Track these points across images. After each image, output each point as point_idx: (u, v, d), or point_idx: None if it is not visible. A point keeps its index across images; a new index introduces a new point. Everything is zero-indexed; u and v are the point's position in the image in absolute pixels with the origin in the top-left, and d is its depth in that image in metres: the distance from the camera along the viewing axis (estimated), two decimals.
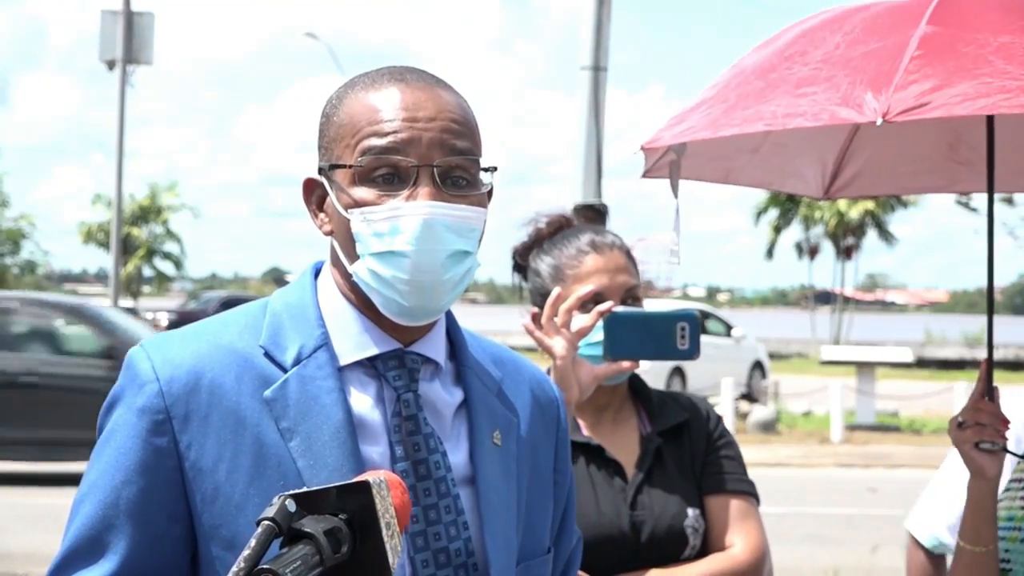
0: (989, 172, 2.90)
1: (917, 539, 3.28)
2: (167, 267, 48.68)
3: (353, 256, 1.93)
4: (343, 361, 1.95)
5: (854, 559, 11.09)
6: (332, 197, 1.95)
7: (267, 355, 1.93)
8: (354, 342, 1.96)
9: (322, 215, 2.00)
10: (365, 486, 1.58)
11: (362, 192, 1.91)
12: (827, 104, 2.57)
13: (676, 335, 2.89)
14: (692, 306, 32.16)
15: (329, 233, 1.99)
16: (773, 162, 3.42)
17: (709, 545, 3.10)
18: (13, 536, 12.40)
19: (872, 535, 11.26)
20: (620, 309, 2.94)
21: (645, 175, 3.05)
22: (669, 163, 2.97)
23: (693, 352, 2.90)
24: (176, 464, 1.88)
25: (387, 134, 1.91)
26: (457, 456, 1.99)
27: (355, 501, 1.58)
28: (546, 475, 2.13)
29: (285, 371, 1.92)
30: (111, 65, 23.92)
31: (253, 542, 1.50)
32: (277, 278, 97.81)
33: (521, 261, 3.19)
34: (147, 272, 48.47)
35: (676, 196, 2.95)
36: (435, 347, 2.01)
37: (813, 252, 65.09)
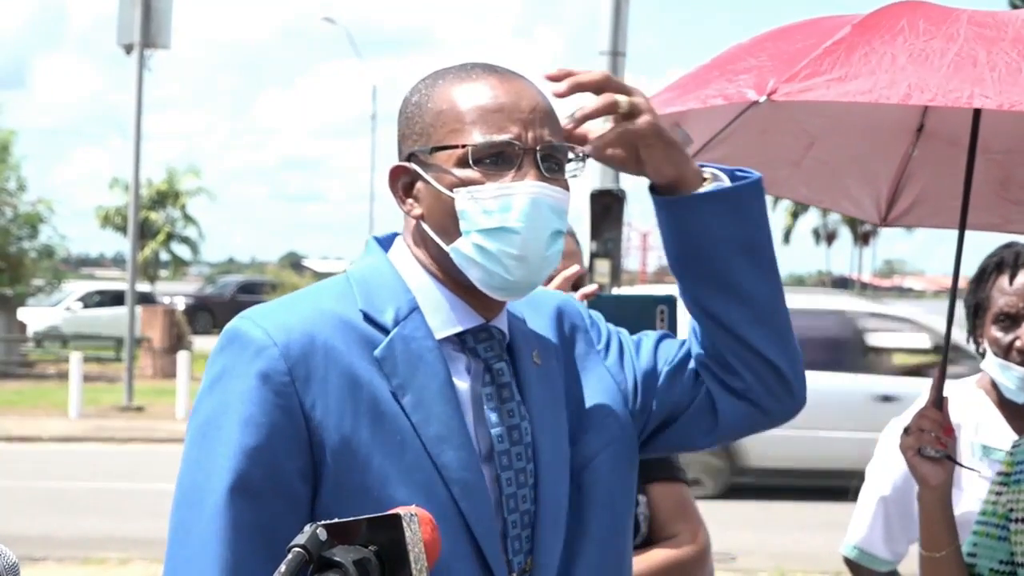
0: (963, 207, 2.94)
1: (843, 555, 3.56)
2: (184, 251, 48.76)
3: (452, 234, 2.05)
4: (435, 336, 2.07)
5: None
6: (429, 179, 2.06)
7: (367, 318, 2.04)
8: (444, 317, 2.09)
9: (410, 200, 2.11)
10: (396, 520, 1.59)
11: (468, 173, 2.03)
12: (742, 87, 2.72)
13: (656, 318, 2.88)
14: None
15: (419, 216, 2.09)
16: (818, 179, 3.51)
17: (653, 533, 3.13)
18: (30, 519, 12.44)
19: None
20: (602, 292, 2.96)
21: None
22: None
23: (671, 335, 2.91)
24: (303, 423, 1.96)
25: (497, 120, 2.04)
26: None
27: (385, 534, 1.59)
28: (594, 366, 2.25)
29: (386, 332, 2.03)
30: (129, 49, 23.88)
31: (283, 568, 1.51)
32: (294, 263, 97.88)
33: None
34: (164, 256, 48.53)
35: None
36: (506, 323, 2.16)
37: (830, 238, 65.04)
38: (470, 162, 2.03)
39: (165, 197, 47.42)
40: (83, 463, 16.46)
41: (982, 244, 3.58)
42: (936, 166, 3.41)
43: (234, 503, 1.93)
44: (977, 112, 2.86)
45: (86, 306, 37.46)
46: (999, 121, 2.86)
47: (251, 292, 46.88)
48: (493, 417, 2.07)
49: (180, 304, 41.15)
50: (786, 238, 65.48)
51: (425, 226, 2.09)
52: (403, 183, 2.11)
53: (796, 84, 2.61)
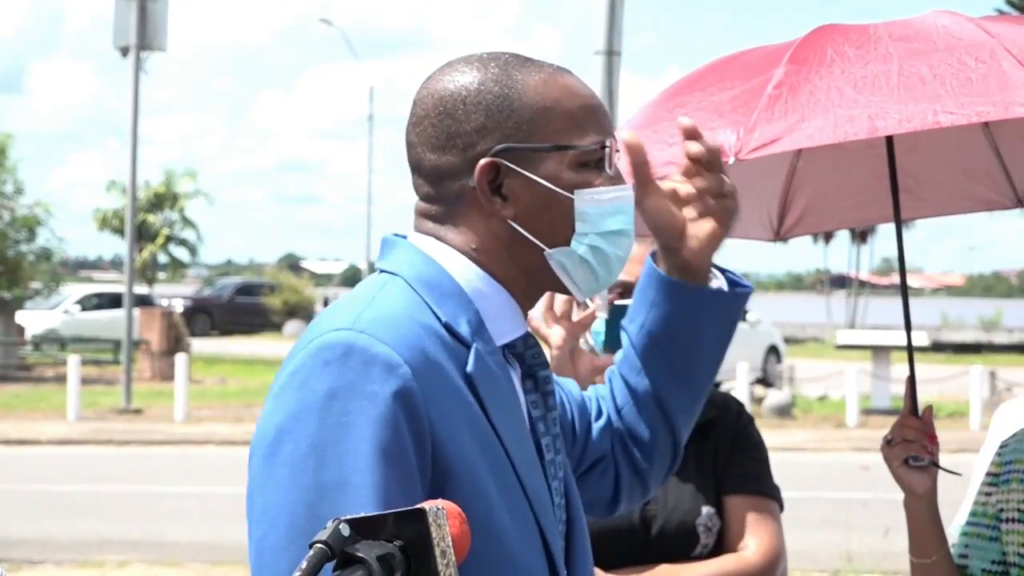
0: (895, 202, 2.96)
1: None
2: (182, 254, 48.71)
3: (559, 236, 1.95)
4: (497, 343, 1.96)
5: (868, 543, 11.08)
6: (539, 179, 1.93)
7: (449, 330, 1.89)
8: (506, 325, 1.97)
9: (496, 199, 1.94)
10: (421, 514, 1.54)
11: (583, 174, 1.95)
12: None
13: None
14: None
15: (511, 216, 1.94)
16: None
17: (724, 545, 3.08)
18: (29, 522, 12.43)
19: (887, 520, 11.24)
20: (622, 301, 2.93)
21: None
22: None
23: None
24: (430, 448, 1.80)
25: (602, 120, 1.99)
26: None
27: (411, 528, 1.54)
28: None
29: (467, 346, 1.89)
30: (125, 52, 23.89)
31: (304, 564, 1.48)
32: (292, 264, 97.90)
33: None
34: (162, 259, 48.51)
35: None
36: None
37: (828, 236, 64.96)
38: (593, 163, 1.96)
39: (163, 200, 47.38)
40: (81, 466, 16.44)
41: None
42: (821, 172, 3.45)
43: None
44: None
45: (84, 309, 37.46)
46: None
47: (249, 294, 46.91)
48: (541, 426, 2.00)
49: (178, 306, 41.16)
50: (784, 237, 65.36)
51: (518, 227, 1.94)
52: (488, 179, 1.94)
53: (756, 137, 2.61)
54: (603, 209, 1.96)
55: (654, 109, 3.00)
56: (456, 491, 1.79)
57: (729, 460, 3.12)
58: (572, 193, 1.94)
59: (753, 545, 3.06)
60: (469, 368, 1.87)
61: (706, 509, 3.06)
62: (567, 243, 1.96)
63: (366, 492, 1.75)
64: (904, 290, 3.01)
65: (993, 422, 3.40)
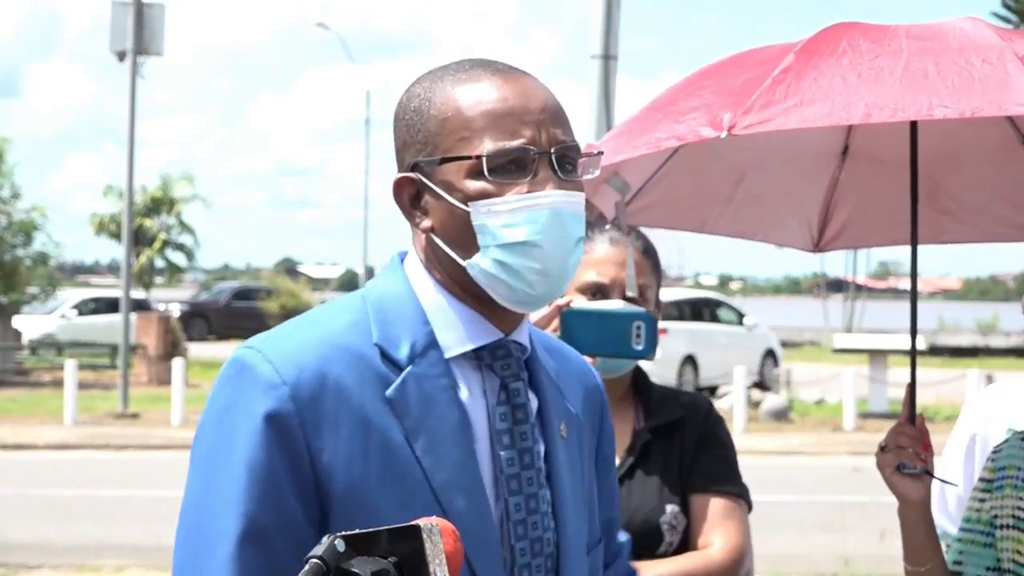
0: (913, 213, 2.96)
1: None
2: (179, 258, 48.70)
3: (469, 248, 1.93)
4: (449, 353, 1.95)
5: (864, 547, 11.08)
6: (440, 192, 1.93)
7: (382, 353, 1.92)
8: (460, 334, 1.96)
9: (418, 212, 1.98)
10: (416, 530, 1.56)
11: (481, 184, 1.91)
12: (695, 126, 2.73)
13: (631, 334, 2.89)
14: (704, 294, 32.19)
15: (429, 229, 1.96)
16: (750, 213, 3.56)
17: (689, 543, 3.07)
18: (26, 527, 12.43)
19: (883, 523, 11.24)
20: (577, 304, 2.96)
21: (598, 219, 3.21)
22: (615, 203, 3.06)
23: (648, 351, 2.90)
24: (309, 468, 1.85)
25: (508, 124, 1.92)
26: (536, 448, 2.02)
27: (406, 545, 1.56)
28: (593, 462, 2.16)
29: (400, 369, 1.91)
30: (122, 56, 23.89)
31: None
32: (290, 268, 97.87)
33: None
34: (159, 263, 48.49)
35: (626, 233, 3.07)
36: (526, 335, 2.04)
37: None
38: (484, 172, 1.90)
39: (160, 204, 47.36)
40: (78, 470, 16.43)
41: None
42: (863, 186, 3.46)
43: (244, 552, 1.83)
44: (914, 125, 2.90)
45: (81, 313, 37.42)
46: (927, 131, 2.90)
47: (246, 298, 46.83)
48: (505, 439, 1.96)
49: (175, 311, 41.11)
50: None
51: (437, 239, 1.96)
52: (409, 194, 1.97)
53: (753, 116, 2.62)
54: (504, 221, 1.90)
55: (673, 92, 3.05)
56: (345, 516, 1.85)
57: (695, 458, 3.09)
58: (467, 205, 1.92)
59: (718, 543, 3.04)
60: (389, 392, 1.89)
61: (670, 507, 3.05)
62: (475, 255, 1.94)
63: (226, 503, 1.85)
64: (913, 300, 3.00)
65: (971, 411, 3.37)
